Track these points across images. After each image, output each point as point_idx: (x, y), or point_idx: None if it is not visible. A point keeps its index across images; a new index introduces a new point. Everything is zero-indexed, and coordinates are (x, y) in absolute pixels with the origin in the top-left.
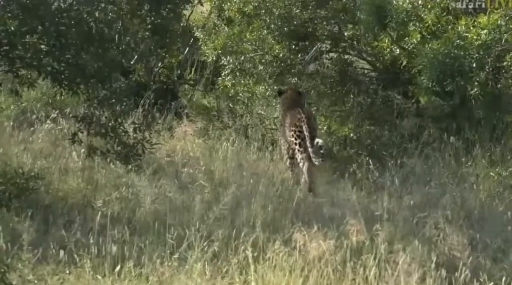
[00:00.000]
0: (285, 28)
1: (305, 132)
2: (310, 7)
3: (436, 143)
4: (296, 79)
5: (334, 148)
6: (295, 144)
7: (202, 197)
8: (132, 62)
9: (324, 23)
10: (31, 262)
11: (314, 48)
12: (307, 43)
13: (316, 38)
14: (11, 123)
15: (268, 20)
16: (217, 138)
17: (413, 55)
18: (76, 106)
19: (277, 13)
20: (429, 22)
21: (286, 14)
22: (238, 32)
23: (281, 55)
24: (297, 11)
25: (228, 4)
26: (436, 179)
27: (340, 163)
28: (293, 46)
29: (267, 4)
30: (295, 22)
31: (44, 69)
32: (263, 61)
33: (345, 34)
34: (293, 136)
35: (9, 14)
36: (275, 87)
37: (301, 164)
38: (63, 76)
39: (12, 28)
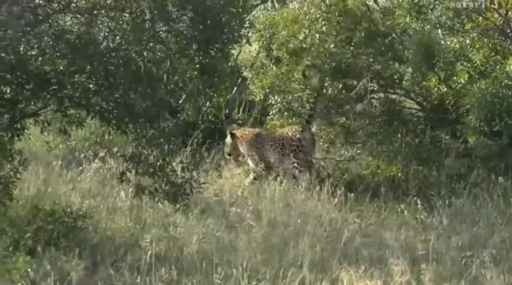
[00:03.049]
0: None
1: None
2: (357, 46)
3: (484, 183)
4: (344, 118)
5: (382, 188)
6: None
7: (250, 237)
8: (180, 102)
9: (371, 60)
10: None
11: (359, 85)
12: (354, 82)
13: (363, 77)
14: (60, 162)
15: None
16: (265, 178)
17: (461, 95)
18: (124, 145)
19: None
20: (477, 62)
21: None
22: (286, 72)
23: (328, 94)
24: (344, 49)
25: (275, 38)
26: (485, 219)
27: (388, 203)
28: (340, 85)
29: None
30: (343, 61)
31: (92, 108)
32: (310, 100)
33: (393, 73)
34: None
35: (58, 54)
36: (322, 127)
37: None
38: (111, 116)
39: (61, 68)
